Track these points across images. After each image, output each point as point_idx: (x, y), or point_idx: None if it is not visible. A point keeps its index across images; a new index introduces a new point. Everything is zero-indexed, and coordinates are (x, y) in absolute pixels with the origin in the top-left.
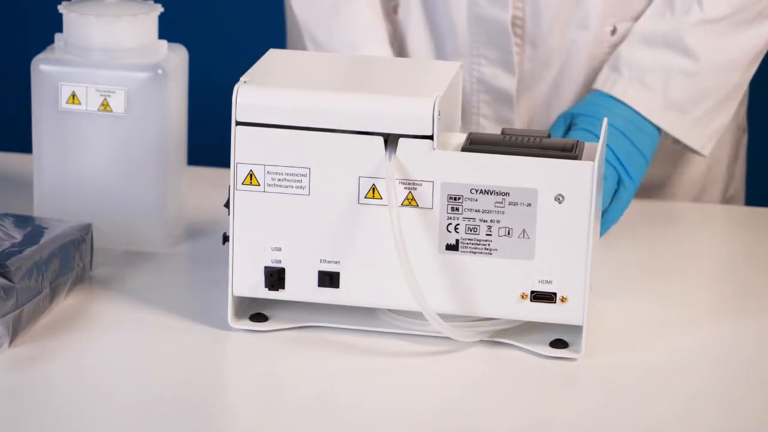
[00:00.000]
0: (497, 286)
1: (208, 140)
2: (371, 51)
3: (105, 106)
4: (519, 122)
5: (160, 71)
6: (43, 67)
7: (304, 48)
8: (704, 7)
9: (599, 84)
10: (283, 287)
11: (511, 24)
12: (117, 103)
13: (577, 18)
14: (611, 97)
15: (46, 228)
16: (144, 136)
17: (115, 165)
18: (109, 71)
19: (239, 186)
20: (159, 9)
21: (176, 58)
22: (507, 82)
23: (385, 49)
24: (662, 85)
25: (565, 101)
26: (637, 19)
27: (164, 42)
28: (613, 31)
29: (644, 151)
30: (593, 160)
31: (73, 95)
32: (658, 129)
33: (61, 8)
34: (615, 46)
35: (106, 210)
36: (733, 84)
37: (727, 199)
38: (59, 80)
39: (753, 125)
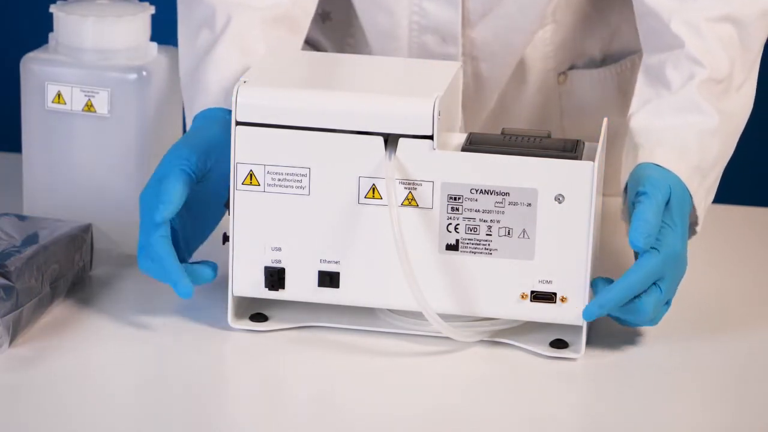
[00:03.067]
0: (497, 286)
1: None
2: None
3: (89, 106)
4: None
5: (144, 73)
6: (31, 66)
7: None
8: (708, 66)
9: (625, 166)
10: (283, 287)
11: None
12: (101, 104)
13: (518, 74)
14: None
15: (45, 228)
16: (127, 136)
17: (100, 165)
18: (94, 72)
19: (239, 186)
20: (150, 10)
21: (167, 59)
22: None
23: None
24: (689, 146)
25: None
26: (586, 64)
27: (154, 44)
28: (563, 78)
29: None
30: (593, 160)
31: (59, 95)
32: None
33: (52, 8)
34: (563, 91)
35: (94, 210)
36: (730, 154)
37: None
38: (46, 79)
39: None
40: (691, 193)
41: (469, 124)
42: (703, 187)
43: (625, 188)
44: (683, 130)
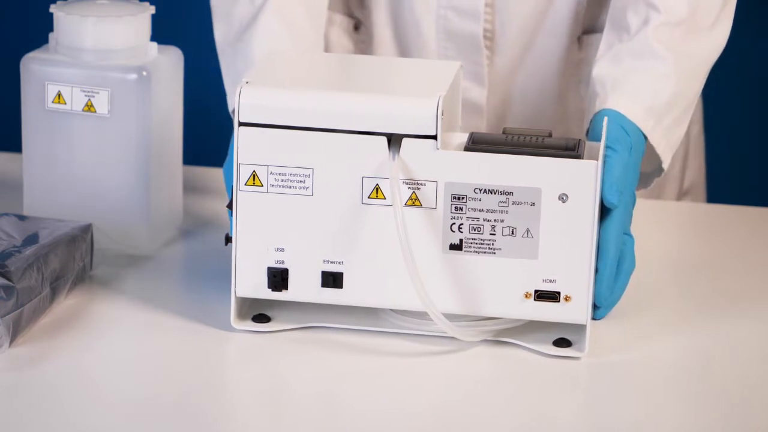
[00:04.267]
0: (501, 285)
1: (210, 141)
2: None
3: (89, 106)
4: (486, 130)
5: (144, 73)
6: (31, 66)
7: None
8: (663, 10)
9: (587, 111)
10: (286, 288)
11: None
12: (101, 104)
13: (545, 27)
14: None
15: (46, 228)
16: (128, 137)
17: (100, 165)
18: (94, 72)
19: (242, 187)
20: (150, 10)
21: (167, 59)
22: (477, 93)
23: None
24: (640, 90)
25: (531, 109)
26: (599, 30)
27: (154, 44)
28: (580, 44)
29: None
30: (596, 159)
31: (59, 95)
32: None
33: (52, 8)
34: (581, 59)
35: (94, 210)
36: (694, 92)
37: (682, 195)
38: (46, 79)
39: (708, 121)
40: (646, 134)
41: (492, 83)
42: (660, 126)
43: (587, 131)
44: (637, 76)
